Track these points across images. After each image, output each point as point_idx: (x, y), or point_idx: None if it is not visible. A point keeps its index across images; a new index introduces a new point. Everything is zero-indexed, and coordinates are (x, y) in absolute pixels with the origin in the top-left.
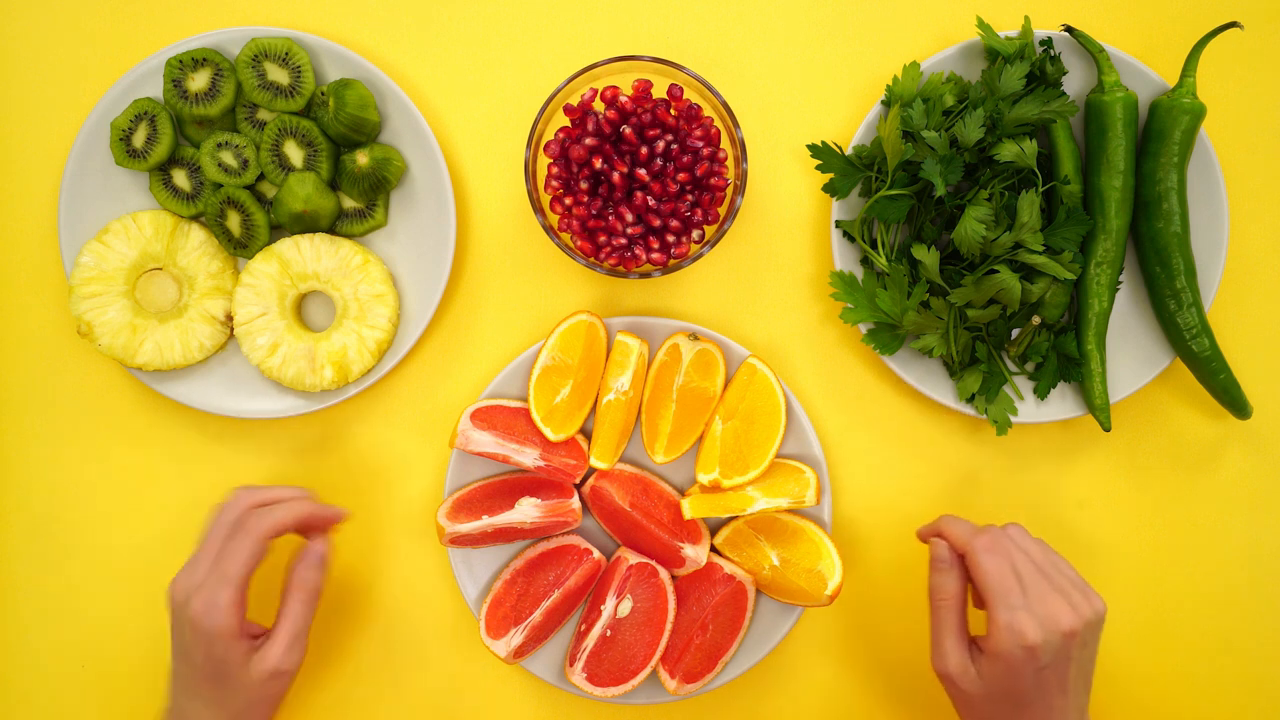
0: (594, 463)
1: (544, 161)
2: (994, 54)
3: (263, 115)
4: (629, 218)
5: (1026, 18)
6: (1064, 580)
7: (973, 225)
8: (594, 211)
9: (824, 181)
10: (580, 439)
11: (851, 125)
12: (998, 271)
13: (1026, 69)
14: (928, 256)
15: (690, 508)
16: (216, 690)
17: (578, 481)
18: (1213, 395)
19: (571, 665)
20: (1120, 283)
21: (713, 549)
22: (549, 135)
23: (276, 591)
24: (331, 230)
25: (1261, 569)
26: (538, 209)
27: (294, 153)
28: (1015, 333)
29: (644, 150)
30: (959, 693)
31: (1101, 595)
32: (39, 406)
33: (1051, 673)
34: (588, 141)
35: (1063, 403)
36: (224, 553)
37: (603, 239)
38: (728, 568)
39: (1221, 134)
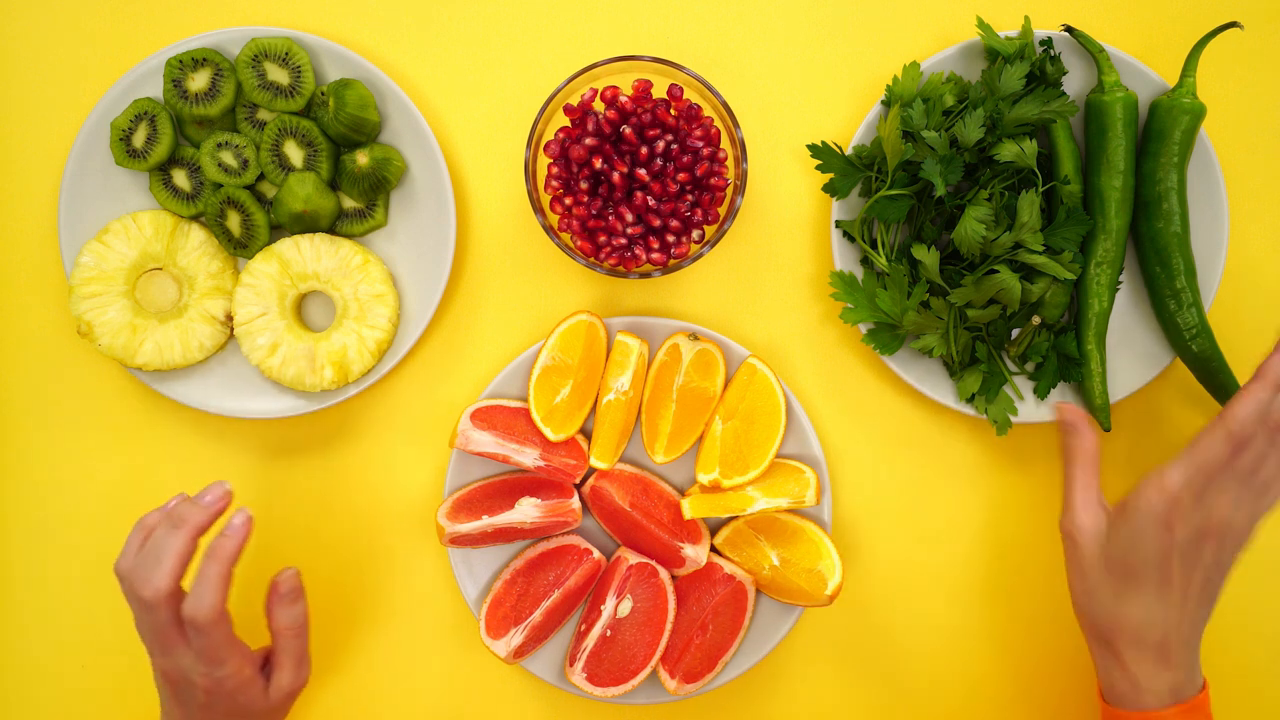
0: (594, 463)
1: (544, 161)
2: (994, 54)
3: (263, 115)
4: (629, 218)
5: (1026, 18)
6: (1261, 484)
7: (973, 225)
8: (594, 211)
9: (824, 181)
10: (580, 439)
11: (851, 125)
12: (998, 271)
13: (1026, 69)
14: (928, 256)
15: (690, 508)
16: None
17: (578, 481)
18: (1213, 395)
19: (571, 665)
20: (1120, 283)
21: (713, 549)
22: (549, 135)
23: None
24: (331, 230)
25: (1261, 569)
26: (538, 209)
27: (294, 153)
28: (1015, 333)
29: (644, 150)
30: (1075, 552)
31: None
32: (39, 406)
33: (1178, 558)
34: (588, 141)
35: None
36: (198, 653)
37: (603, 239)
38: (728, 568)
39: (1221, 134)
